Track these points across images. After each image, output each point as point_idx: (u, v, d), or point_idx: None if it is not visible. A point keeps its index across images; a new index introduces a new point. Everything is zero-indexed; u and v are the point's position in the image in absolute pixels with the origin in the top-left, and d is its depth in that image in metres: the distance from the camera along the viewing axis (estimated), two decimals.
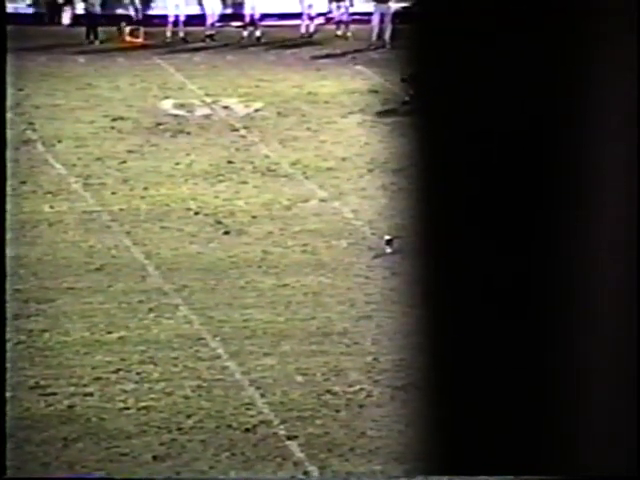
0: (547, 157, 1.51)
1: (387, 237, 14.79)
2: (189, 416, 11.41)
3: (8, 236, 15.42)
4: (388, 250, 14.65)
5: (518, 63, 1.49)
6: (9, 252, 14.92)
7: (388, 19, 22.91)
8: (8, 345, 12.72)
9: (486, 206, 1.53)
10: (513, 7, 1.49)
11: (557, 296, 1.52)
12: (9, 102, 20.31)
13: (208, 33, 23.95)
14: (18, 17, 23.80)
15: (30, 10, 24.32)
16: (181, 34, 23.85)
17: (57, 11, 24.20)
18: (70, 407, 11.53)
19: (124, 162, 17.90)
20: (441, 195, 1.53)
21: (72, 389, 11.81)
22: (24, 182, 16.99)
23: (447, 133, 1.52)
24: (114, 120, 19.45)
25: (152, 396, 11.72)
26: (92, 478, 10.62)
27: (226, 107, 20.19)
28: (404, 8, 1.59)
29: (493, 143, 1.51)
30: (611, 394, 1.54)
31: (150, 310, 13.47)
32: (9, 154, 18.12)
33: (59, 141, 18.53)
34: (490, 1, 1.50)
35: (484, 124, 1.51)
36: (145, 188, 16.95)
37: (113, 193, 16.78)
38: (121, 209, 16.25)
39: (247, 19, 24.19)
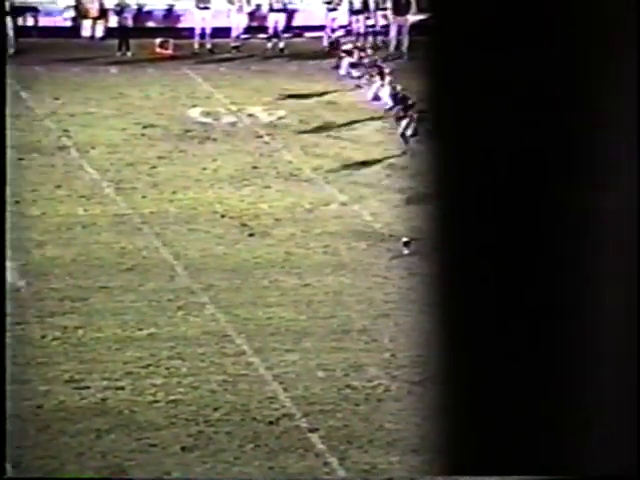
0: (561, 163, 1.49)
1: (405, 239, 14.94)
2: (216, 409, 11.60)
3: (45, 237, 15.71)
4: (406, 251, 14.81)
5: (535, 75, 1.49)
6: (46, 253, 15.12)
7: (405, 31, 22.93)
8: (44, 341, 12.94)
9: (502, 208, 1.51)
10: (531, 19, 1.47)
11: (572, 296, 1.51)
12: (46, 110, 20.62)
13: (234, 45, 24.15)
14: (55, 30, 23.99)
15: (67, 23, 24.63)
16: (208, 46, 24.00)
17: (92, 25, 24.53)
18: (103, 400, 11.74)
19: (154, 167, 17.98)
20: (457, 198, 1.54)
21: (105, 383, 12.01)
22: (59, 186, 17.15)
23: (463, 140, 1.53)
24: (145, 127, 19.55)
25: (180, 390, 11.91)
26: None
27: (251, 115, 20.24)
28: (421, 20, 1.61)
29: (509, 149, 1.51)
30: (613, 394, 1.55)
31: (179, 308, 13.64)
32: (45, 160, 18.45)
33: (93, 147, 18.64)
34: (507, 13, 1.48)
35: (500, 132, 1.51)
36: (174, 192, 17.06)
37: (143, 197, 16.89)
38: (151, 212, 16.36)
39: (271, 31, 24.46)
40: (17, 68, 22.38)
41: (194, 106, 20.76)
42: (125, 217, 16.25)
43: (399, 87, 19.10)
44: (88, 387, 11.97)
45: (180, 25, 24.72)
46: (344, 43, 22.54)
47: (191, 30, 24.24)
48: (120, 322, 13.35)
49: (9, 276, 14.44)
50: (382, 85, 19.94)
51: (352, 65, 21.42)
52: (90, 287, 14.17)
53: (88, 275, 14.46)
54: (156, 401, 11.77)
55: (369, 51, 21.56)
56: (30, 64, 22.73)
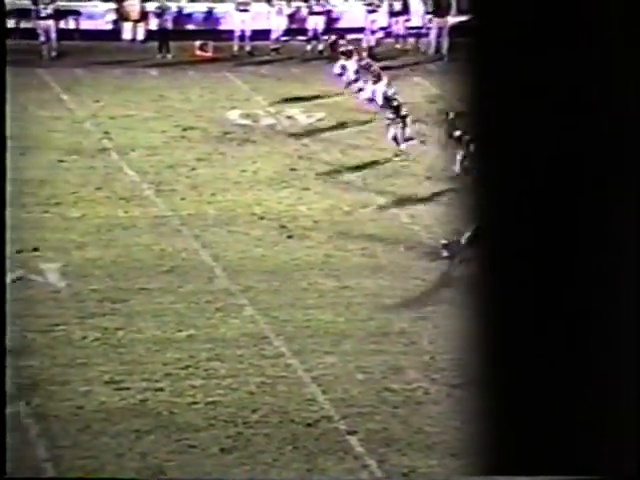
0: (598, 166, 1.52)
1: (443, 241, 14.99)
2: (254, 411, 11.67)
3: (85, 239, 15.80)
4: (445, 253, 14.85)
5: (572, 76, 1.49)
6: (86, 254, 15.23)
7: (445, 32, 23.01)
8: (85, 342, 13.04)
9: (539, 211, 1.53)
10: (567, 21, 1.49)
11: (611, 299, 1.53)
12: (86, 113, 20.77)
13: (273, 47, 24.25)
14: (96, 33, 24.17)
15: (108, 26, 24.75)
16: (248, 48, 24.11)
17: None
18: (142, 401, 11.81)
19: (193, 169, 18.04)
20: (496, 201, 1.55)
21: (144, 384, 12.09)
22: (100, 188, 17.23)
23: (500, 140, 1.53)
24: (184, 130, 19.62)
25: (219, 391, 11.96)
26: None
27: (289, 117, 20.28)
28: (461, 22, 1.72)
29: (546, 148, 1.51)
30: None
31: (217, 310, 13.70)
32: (86, 162, 18.58)
33: (133, 150, 18.71)
34: (547, 16, 1.50)
35: (537, 132, 1.51)
36: (213, 194, 17.09)
37: (183, 199, 16.94)
38: (190, 214, 16.40)
39: (310, 34, 24.52)
40: (58, 71, 22.61)
41: (233, 108, 20.81)
42: (164, 219, 16.31)
43: (391, 91, 19.23)
44: (128, 388, 12.05)
45: (220, 28, 24.83)
46: (342, 45, 22.52)
47: (231, 32, 24.34)
48: (159, 323, 13.42)
49: (50, 277, 14.59)
50: (376, 88, 20.02)
51: (344, 67, 21.40)
52: (130, 288, 14.25)
53: (128, 276, 14.55)
54: (195, 402, 11.82)
55: (364, 53, 21.53)
56: (71, 66, 22.92)
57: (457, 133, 16.62)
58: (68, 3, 24.49)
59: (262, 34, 24.23)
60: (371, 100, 20.11)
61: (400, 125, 18.31)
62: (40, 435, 11.29)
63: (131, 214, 16.44)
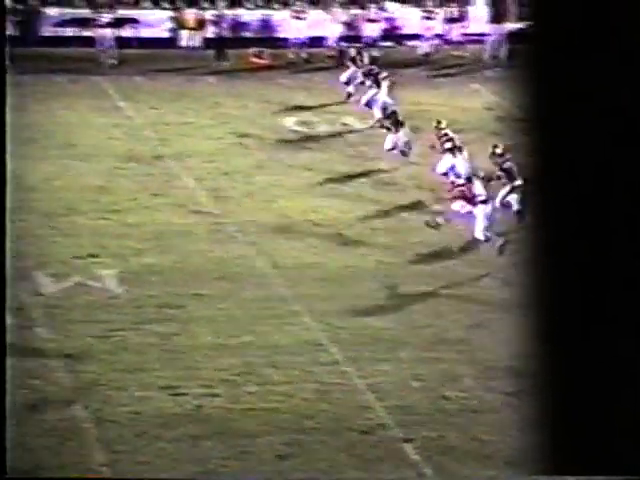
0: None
1: (499, 243, 14.89)
2: (310, 418, 11.69)
3: (143, 245, 15.94)
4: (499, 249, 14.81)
5: (629, 84, 1.52)
6: (144, 261, 15.37)
7: (503, 39, 23.05)
8: (142, 347, 13.11)
9: (596, 220, 1.54)
10: (624, 29, 1.51)
11: None
12: (144, 120, 20.98)
13: (329, 54, 24.37)
14: (154, 41, 24.38)
15: (165, 34, 24.96)
16: (303, 55, 24.26)
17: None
18: (198, 407, 11.85)
19: (249, 176, 18.10)
20: (551, 209, 1.57)
21: (200, 390, 12.12)
22: (157, 195, 17.32)
23: (556, 144, 1.55)
24: (240, 137, 19.70)
25: (275, 398, 12.00)
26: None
27: (345, 124, 20.35)
28: (519, 29, 1.62)
29: (604, 153, 1.54)
30: None
31: (273, 317, 13.75)
32: (143, 169, 18.75)
33: (189, 156, 18.80)
34: (602, 23, 1.51)
35: (595, 137, 1.53)
36: (269, 201, 17.16)
37: (239, 205, 16.99)
38: (246, 221, 16.45)
39: (366, 40, 24.47)
40: (117, 78, 22.86)
41: (289, 115, 20.90)
42: (221, 226, 16.37)
43: (391, 100, 19.24)
44: (184, 394, 12.10)
45: (276, 35, 24.97)
46: (351, 52, 22.49)
47: (287, 40, 24.48)
48: (215, 330, 13.48)
49: (108, 283, 14.72)
50: (376, 94, 19.93)
51: (352, 73, 21.41)
52: (186, 295, 14.33)
53: (184, 283, 14.63)
54: (251, 409, 11.86)
55: (366, 60, 21.51)
56: (129, 74, 23.15)
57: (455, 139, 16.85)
58: (126, 12, 24.76)
59: (318, 41, 24.33)
60: (367, 105, 20.10)
61: (394, 131, 18.23)
62: (98, 440, 11.39)
63: (188, 221, 16.49)
